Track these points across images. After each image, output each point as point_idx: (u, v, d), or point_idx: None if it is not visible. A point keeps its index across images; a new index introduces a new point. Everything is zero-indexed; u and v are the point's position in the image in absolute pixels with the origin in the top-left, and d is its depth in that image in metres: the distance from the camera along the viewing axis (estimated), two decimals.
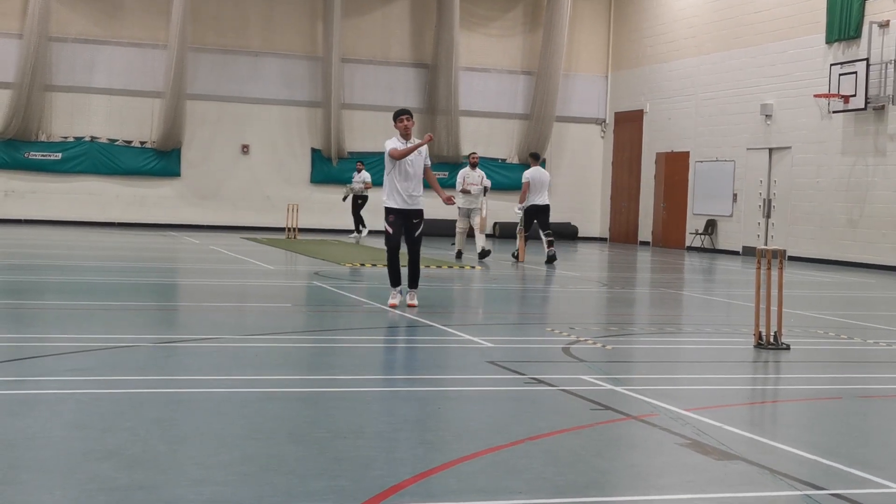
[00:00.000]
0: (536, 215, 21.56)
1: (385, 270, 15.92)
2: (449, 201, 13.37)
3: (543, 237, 21.36)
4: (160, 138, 31.01)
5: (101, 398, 6.85)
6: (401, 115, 12.73)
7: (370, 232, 29.11)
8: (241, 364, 8.38)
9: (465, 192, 21.90)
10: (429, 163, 12.91)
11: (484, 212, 22.23)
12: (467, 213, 22.09)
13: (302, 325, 11.16)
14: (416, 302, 12.46)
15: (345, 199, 29.60)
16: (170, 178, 31.48)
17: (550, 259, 20.99)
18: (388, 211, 12.59)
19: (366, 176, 29.18)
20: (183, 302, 13.73)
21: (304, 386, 7.59)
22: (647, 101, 32.68)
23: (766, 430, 6.77)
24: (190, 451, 5.54)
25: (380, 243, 26.85)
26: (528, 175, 21.62)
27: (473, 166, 22.22)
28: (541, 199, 21.49)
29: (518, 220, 21.95)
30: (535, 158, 22.57)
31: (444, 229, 32.82)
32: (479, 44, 33.47)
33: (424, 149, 12.78)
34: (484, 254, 21.58)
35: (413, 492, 4.92)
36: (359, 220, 29.08)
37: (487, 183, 22.47)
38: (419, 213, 12.64)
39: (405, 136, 12.68)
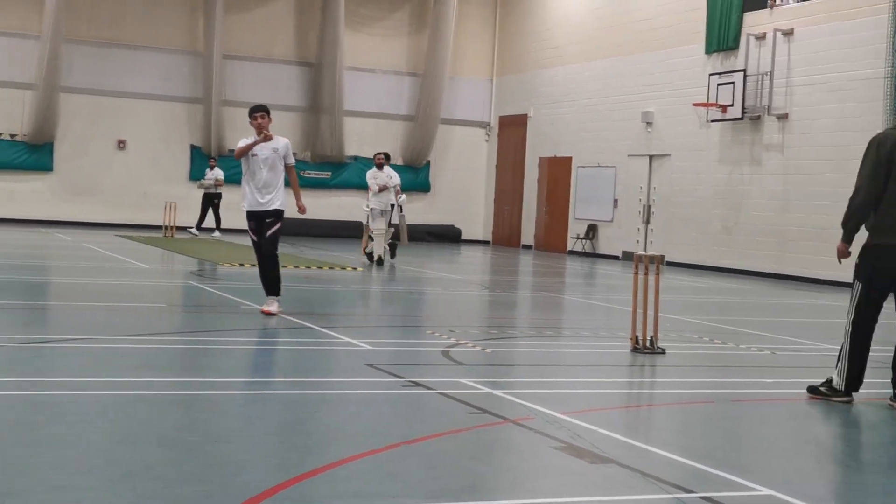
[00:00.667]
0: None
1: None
2: (301, 210, 12.05)
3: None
4: (32, 131, 30.10)
5: None
6: (254, 111, 11.78)
7: (226, 230, 28.51)
8: (111, 366, 8.14)
9: (384, 188, 20.81)
10: (291, 161, 11.93)
11: (396, 217, 21.19)
12: (381, 214, 20.88)
13: (176, 326, 10.92)
14: (273, 309, 11.52)
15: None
16: (41, 172, 30.58)
17: (392, 250, 21.81)
18: (246, 215, 11.79)
19: (218, 173, 28.42)
20: (52, 301, 13.33)
21: (175, 388, 7.39)
22: (532, 105, 32.94)
23: (640, 434, 6.82)
24: (51, 455, 5.32)
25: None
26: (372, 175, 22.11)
27: (380, 167, 21.18)
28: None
29: (365, 219, 21.92)
30: (387, 159, 22.75)
31: (351, 231, 32.59)
32: (364, 44, 33.32)
33: (283, 146, 11.85)
34: (380, 260, 20.59)
35: (286, 496, 4.81)
36: (215, 218, 28.35)
37: (398, 182, 21.40)
38: (273, 213, 11.71)
39: (259, 134, 11.77)
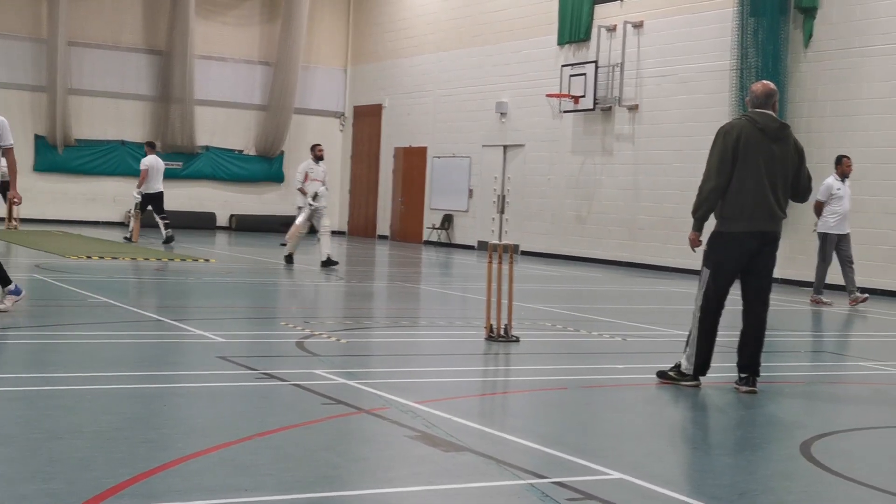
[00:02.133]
0: (152, 201, 23.40)
1: (111, 264, 15.28)
2: (14, 201, 10.84)
3: (160, 220, 23.40)
4: None
5: None
6: None
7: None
8: None
9: (313, 196, 18.97)
10: (8, 143, 10.59)
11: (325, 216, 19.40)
12: (315, 213, 19.13)
13: (20, 321, 10.54)
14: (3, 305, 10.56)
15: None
16: None
17: (168, 240, 22.94)
18: None
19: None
20: None
21: (18, 384, 7.13)
22: (387, 95, 32.91)
23: (495, 422, 6.87)
24: None
25: (112, 234, 25.88)
26: (146, 163, 23.38)
27: (318, 159, 19.34)
28: (156, 187, 23.37)
29: (133, 204, 23.68)
30: (152, 147, 24.23)
31: (203, 222, 32.07)
32: (215, 32, 32.75)
33: None
34: (330, 262, 18.80)
35: (133, 492, 4.68)
36: None
37: (328, 180, 19.88)
38: None
39: None
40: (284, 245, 19.88)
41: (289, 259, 19.22)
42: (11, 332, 9.55)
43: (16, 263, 17.52)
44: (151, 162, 23.47)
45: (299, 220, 19.23)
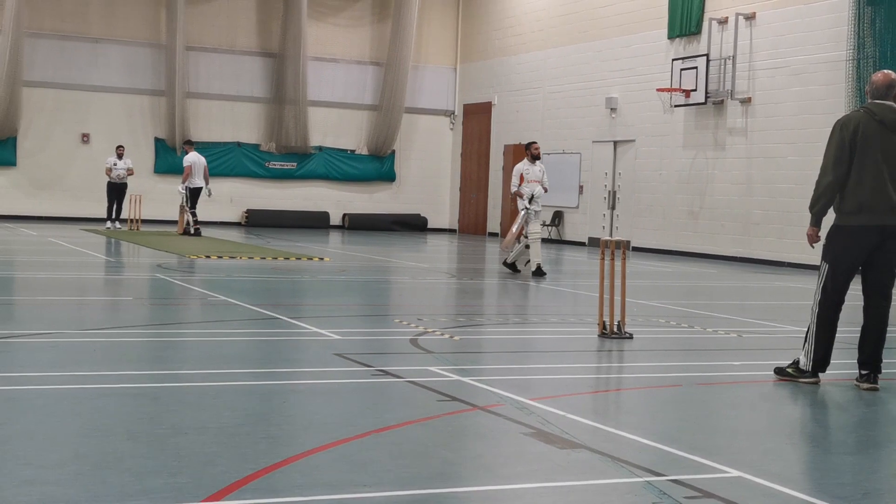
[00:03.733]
0: (193, 195, 25.21)
1: (230, 263, 15.59)
2: None
3: (190, 213, 25.18)
4: None
5: None
6: None
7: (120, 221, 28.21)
8: (78, 360, 8.09)
9: (530, 199, 17.54)
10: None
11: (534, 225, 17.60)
12: (536, 215, 17.70)
13: (144, 319, 10.86)
14: None
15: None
16: (5, 167, 30.27)
17: (196, 233, 24.81)
18: None
19: (129, 162, 27.77)
20: (19, 296, 13.21)
21: (144, 381, 7.35)
22: (496, 93, 32.95)
23: (609, 419, 6.85)
24: (20, 450, 5.29)
25: (230, 234, 26.42)
26: (189, 160, 25.17)
27: (535, 158, 17.81)
28: (198, 182, 25.20)
29: (183, 198, 25.25)
30: (191, 145, 26.38)
31: (317, 221, 32.54)
32: (327, 34, 33.20)
33: None
34: (540, 272, 17.38)
35: (256, 487, 4.80)
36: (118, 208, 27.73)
37: (546, 181, 17.98)
38: None
39: None
40: (512, 263, 18.05)
41: (512, 267, 17.84)
42: (137, 329, 9.84)
43: (139, 263, 18.03)
44: (193, 159, 25.27)
45: (515, 228, 17.70)
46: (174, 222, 28.22)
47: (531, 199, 17.54)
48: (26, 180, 30.51)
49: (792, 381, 8.11)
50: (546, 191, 17.91)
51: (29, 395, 6.69)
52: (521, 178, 17.59)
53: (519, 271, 17.69)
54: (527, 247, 17.66)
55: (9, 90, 29.40)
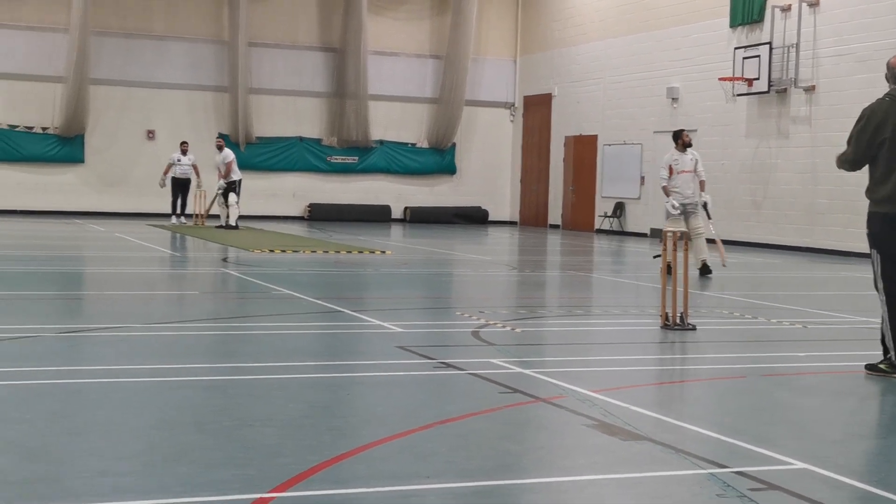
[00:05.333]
0: (232, 187, 25.97)
1: (293, 257, 15.72)
2: None
3: (229, 205, 25.84)
4: (63, 124, 30.33)
5: (0, 390, 6.68)
6: None
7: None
8: (146, 353, 8.24)
9: (670, 206, 16.11)
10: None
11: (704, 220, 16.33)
12: (683, 213, 16.21)
13: (209, 313, 11.01)
14: None
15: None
16: (73, 164, 30.83)
17: (235, 226, 25.29)
18: None
19: (192, 158, 28.00)
20: (87, 290, 13.46)
21: (210, 374, 7.48)
22: (556, 84, 32.85)
23: (672, 410, 6.84)
24: (91, 442, 5.42)
25: (292, 228, 26.64)
26: (230, 155, 26.15)
27: (686, 146, 16.31)
28: (237, 175, 26.13)
29: (218, 192, 26.11)
30: (226, 139, 27.64)
31: (378, 215, 32.74)
32: (387, 28, 33.32)
33: None
34: (705, 269, 16.08)
35: (321, 478, 4.87)
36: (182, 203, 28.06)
37: (701, 171, 16.40)
38: None
39: None
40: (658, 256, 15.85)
41: (703, 268, 16.16)
42: (203, 323, 9.99)
43: (205, 258, 18.26)
44: (234, 154, 26.43)
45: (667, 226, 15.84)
46: (240, 217, 28.45)
47: (676, 207, 16.05)
48: (94, 177, 31.02)
49: (886, 377, 7.83)
50: (704, 182, 16.46)
51: (99, 388, 6.83)
52: (671, 170, 16.16)
53: (711, 272, 16.12)
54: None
55: (76, 88, 29.90)
